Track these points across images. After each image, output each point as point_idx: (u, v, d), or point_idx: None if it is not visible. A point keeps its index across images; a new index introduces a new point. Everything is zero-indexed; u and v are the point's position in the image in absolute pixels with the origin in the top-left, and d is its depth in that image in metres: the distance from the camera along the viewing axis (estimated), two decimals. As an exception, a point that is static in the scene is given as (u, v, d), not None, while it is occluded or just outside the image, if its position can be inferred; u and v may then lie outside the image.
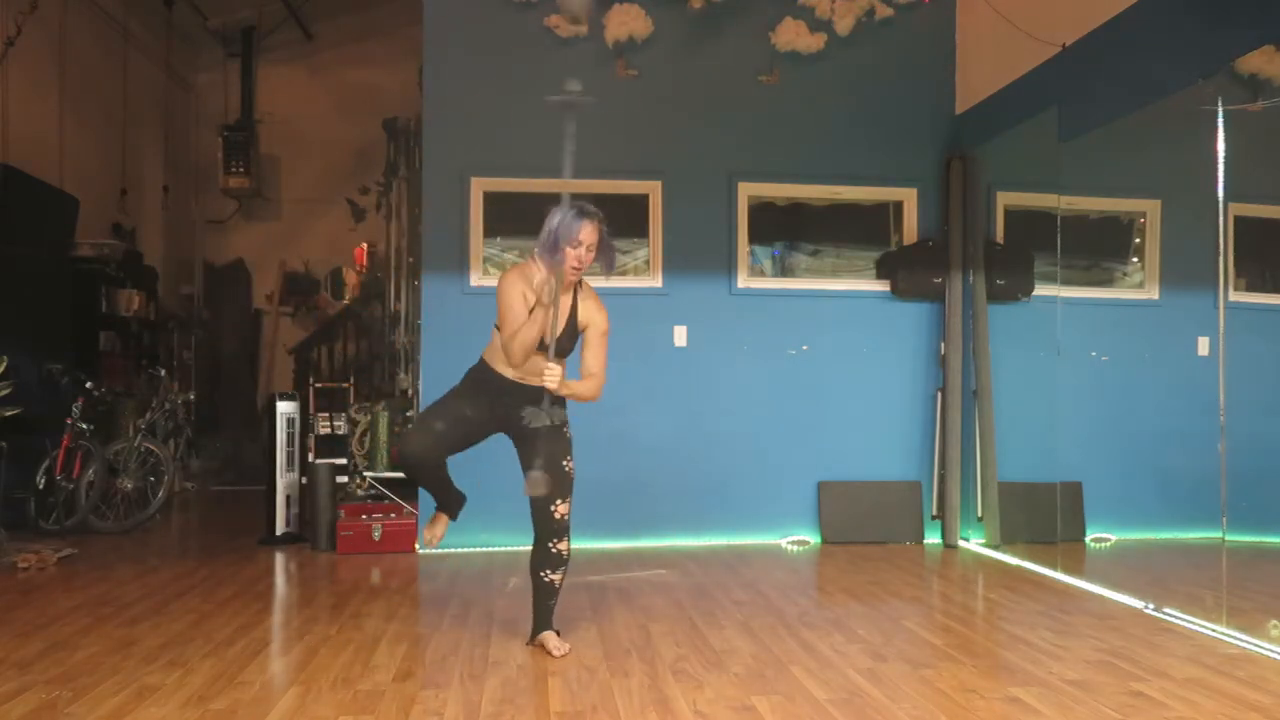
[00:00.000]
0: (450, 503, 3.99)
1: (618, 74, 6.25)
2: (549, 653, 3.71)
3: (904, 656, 3.71)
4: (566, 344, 3.64)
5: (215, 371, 10.58)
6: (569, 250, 3.50)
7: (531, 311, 3.50)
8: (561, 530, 3.71)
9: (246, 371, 10.63)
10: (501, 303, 3.57)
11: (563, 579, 3.78)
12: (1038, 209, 6.08)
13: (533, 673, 3.49)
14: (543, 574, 3.75)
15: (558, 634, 3.79)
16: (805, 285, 6.47)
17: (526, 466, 3.67)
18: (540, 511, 3.70)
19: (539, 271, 3.55)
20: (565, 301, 3.62)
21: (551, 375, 3.46)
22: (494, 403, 3.72)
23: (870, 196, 6.57)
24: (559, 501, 3.69)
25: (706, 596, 4.74)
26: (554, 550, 3.72)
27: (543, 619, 3.81)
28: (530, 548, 3.77)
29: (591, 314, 3.70)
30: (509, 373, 3.67)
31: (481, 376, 3.75)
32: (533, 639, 3.82)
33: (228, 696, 3.19)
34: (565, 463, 3.71)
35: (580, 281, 3.69)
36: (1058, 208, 5.58)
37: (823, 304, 6.39)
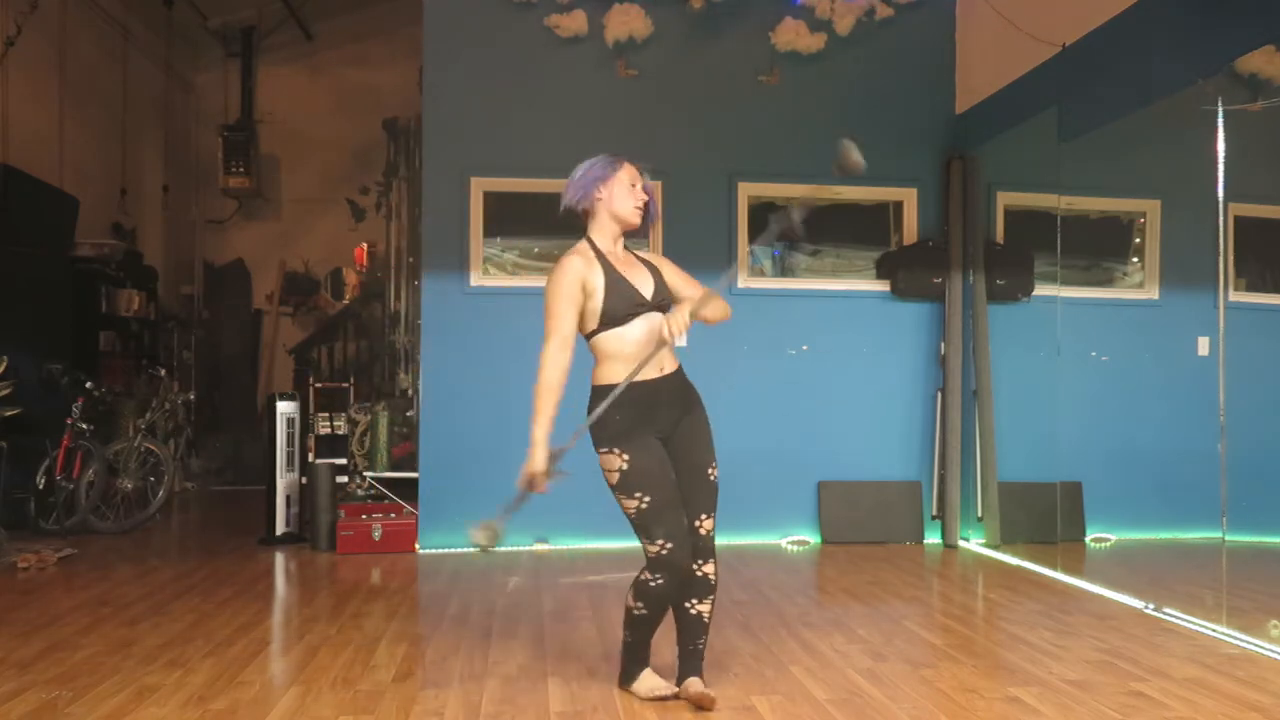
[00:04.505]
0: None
1: (618, 74, 6.25)
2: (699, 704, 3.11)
3: (904, 656, 3.71)
4: (667, 297, 3.13)
5: (215, 371, 10.57)
6: (627, 191, 3.07)
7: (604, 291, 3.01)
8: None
9: (246, 371, 10.63)
10: (550, 300, 3.01)
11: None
12: (1038, 209, 6.09)
13: (533, 673, 3.48)
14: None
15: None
16: (805, 285, 6.47)
17: (692, 467, 3.14)
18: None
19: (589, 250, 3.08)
20: (634, 263, 3.15)
21: (677, 328, 2.92)
22: (655, 419, 3.09)
23: (870, 196, 6.56)
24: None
25: (706, 596, 4.73)
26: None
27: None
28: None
29: (661, 262, 3.23)
30: (650, 373, 3.03)
31: (632, 398, 3.00)
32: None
33: (228, 696, 3.19)
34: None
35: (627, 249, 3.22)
36: (1058, 208, 5.58)
37: (823, 304, 6.39)
